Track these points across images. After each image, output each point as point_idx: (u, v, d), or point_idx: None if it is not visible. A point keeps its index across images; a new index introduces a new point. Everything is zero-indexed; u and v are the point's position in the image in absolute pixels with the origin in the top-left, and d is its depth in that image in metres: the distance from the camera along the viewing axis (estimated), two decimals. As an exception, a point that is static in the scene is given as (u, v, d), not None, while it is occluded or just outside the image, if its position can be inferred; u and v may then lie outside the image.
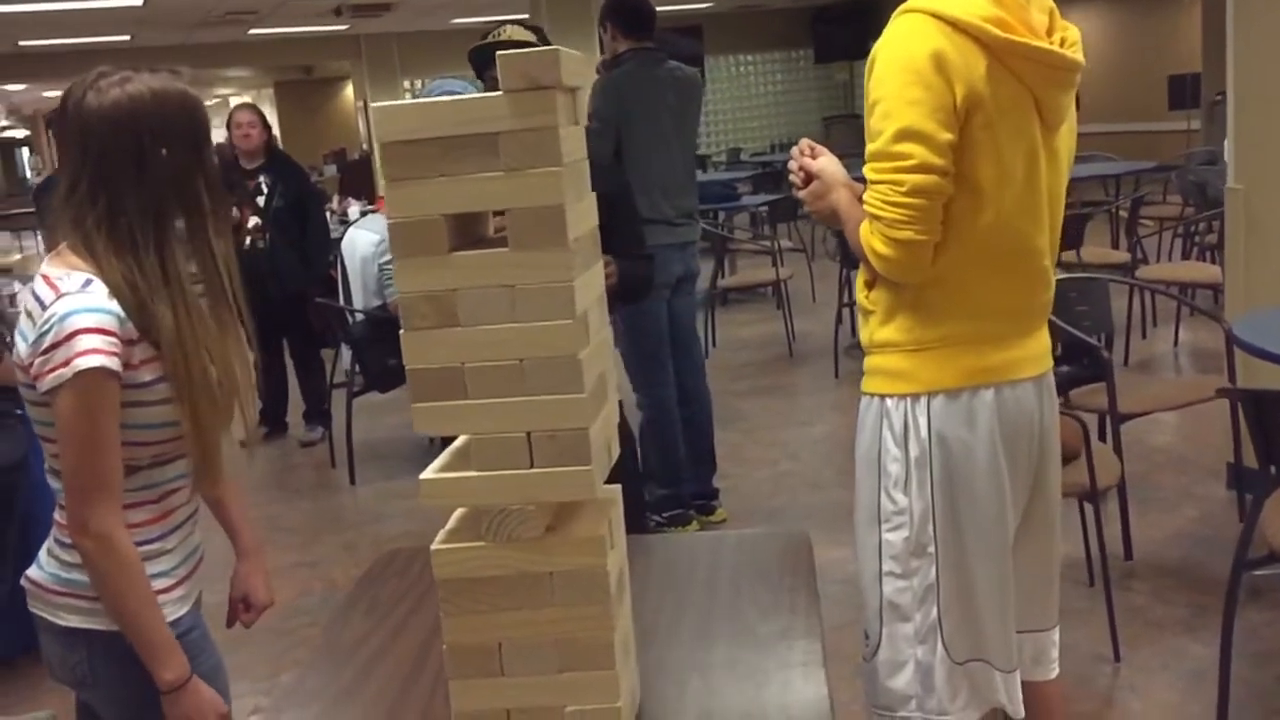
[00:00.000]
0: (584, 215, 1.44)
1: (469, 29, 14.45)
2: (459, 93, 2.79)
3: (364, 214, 7.52)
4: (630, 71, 4.14)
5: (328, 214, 6.14)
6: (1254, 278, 4.16)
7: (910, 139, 1.83)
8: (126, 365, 1.62)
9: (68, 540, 1.71)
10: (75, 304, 1.60)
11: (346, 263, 5.65)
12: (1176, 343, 6.51)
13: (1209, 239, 6.98)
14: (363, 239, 5.59)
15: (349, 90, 18.84)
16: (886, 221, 1.87)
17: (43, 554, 1.78)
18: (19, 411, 3.06)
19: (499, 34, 2.77)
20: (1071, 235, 6.33)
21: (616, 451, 1.56)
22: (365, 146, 16.40)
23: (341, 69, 17.84)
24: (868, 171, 1.91)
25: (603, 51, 4.32)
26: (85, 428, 1.60)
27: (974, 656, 1.99)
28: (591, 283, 1.46)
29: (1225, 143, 4.29)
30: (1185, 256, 7.32)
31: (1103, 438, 3.98)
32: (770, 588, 1.95)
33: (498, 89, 1.32)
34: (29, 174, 29.56)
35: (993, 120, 1.86)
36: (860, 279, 2.05)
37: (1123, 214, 7.66)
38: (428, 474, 1.44)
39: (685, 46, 15.95)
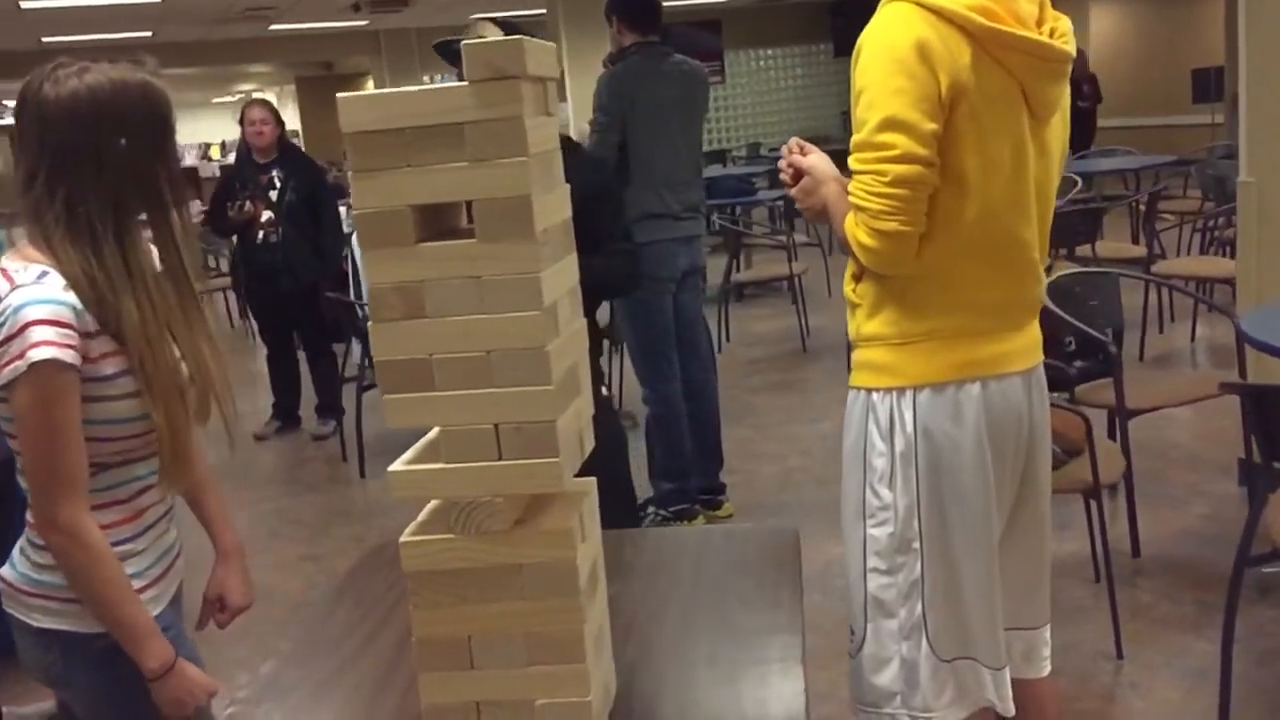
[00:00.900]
0: (554, 206, 1.43)
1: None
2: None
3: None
4: (635, 65, 4.13)
5: (346, 209, 6.15)
6: (1266, 272, 4.11)
7: (894, 129, 1.81)
8: (85, 358, 1.60)
9: (39, 541, 1.69)
10: (28, 296, 1.58)
11: (358, 257, 5.67)
12: (1193, 338, 6.45)
13: (1228, 233, 6.90)
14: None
15: (370, 86, 18.90)
16: (871, 212, 1.85)
17: (15, 553, 1.77)
18: None
19: (469, 31, 2.76)
20: (1087, 229, 6.29)
21: (591, 444, 1.55)
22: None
23: (362, 65, 17.90)
24: (852, 162, 1.89)
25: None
26: (44, 421, 1.58)
27: (961, 654, 1.97)
28: (562, 275, 1.45)
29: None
30: (1203, 251, 7.25)
31: (1112, 433, 3.95)
32: (755, 583, 1.94)
33: None
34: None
35: (978, 110, 1.84)
36: (848, 272, 2.03)
37: (1142, 208, 7.59)
38: (396, 466, 1.44)
39: (704, 41, 15.95)
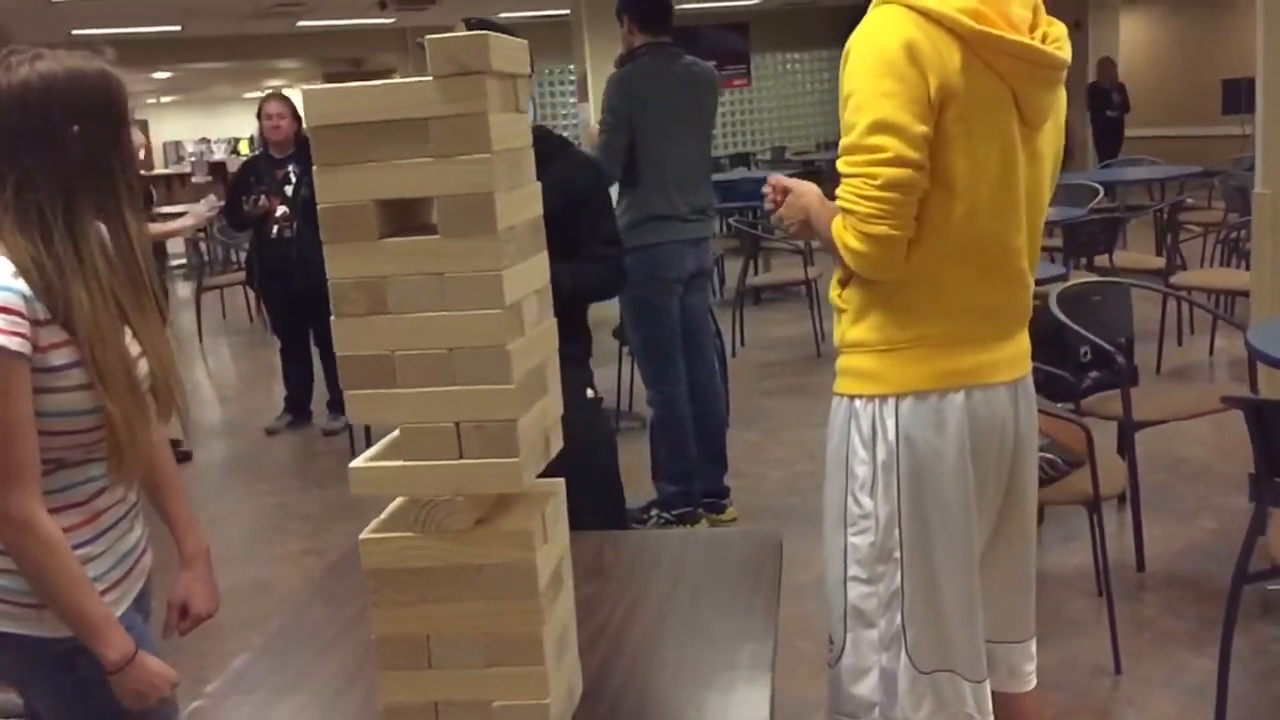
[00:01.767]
0: (520, 204, 1.42)
1: (515, 23, 14.49)
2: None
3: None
4: (645, 66, 4.12)
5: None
6: (1281, 285, 4.06)
7: (884, 131, 1.79)
8: (35, 347, 1.57)
9: None
10: None
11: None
12: (1212, 351, 6.38)
13: (1248, 245, 6.83)
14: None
15: (397, 83, 18.92)
16: (860, 216, 1.83)
17: None
18: None
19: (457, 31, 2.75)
20: (1104, 239, 6.23)
21: (559, 445, 1.54)
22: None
23: (389, 62, 17.95)
24: (841, 165, 1.87)
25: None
26: None
27: (940, 667, 1.94)
28: (528, 274, 1.44)
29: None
30: (1225, 263, 7.17)
31: (1121, 446, 3.90)
32: (732, 588, 1.92)
33: None
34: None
35: (967, 114, 1.81)
36: (834, 277, 2.01)
37: (1165, 218, 7.52)
38: (357, 463, 1.43)
39: (732, 43, 15.92)
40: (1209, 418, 4.03)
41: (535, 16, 13.16)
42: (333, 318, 1.38)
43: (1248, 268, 6.60)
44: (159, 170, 20.80)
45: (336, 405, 6.24)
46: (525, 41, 1.47)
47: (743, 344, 7.41)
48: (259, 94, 7.61)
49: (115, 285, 1.65)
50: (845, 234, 1.86)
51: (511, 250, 1.37)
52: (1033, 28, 1.89)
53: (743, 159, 14.51)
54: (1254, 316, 4.19)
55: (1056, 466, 3.28)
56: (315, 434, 6.26)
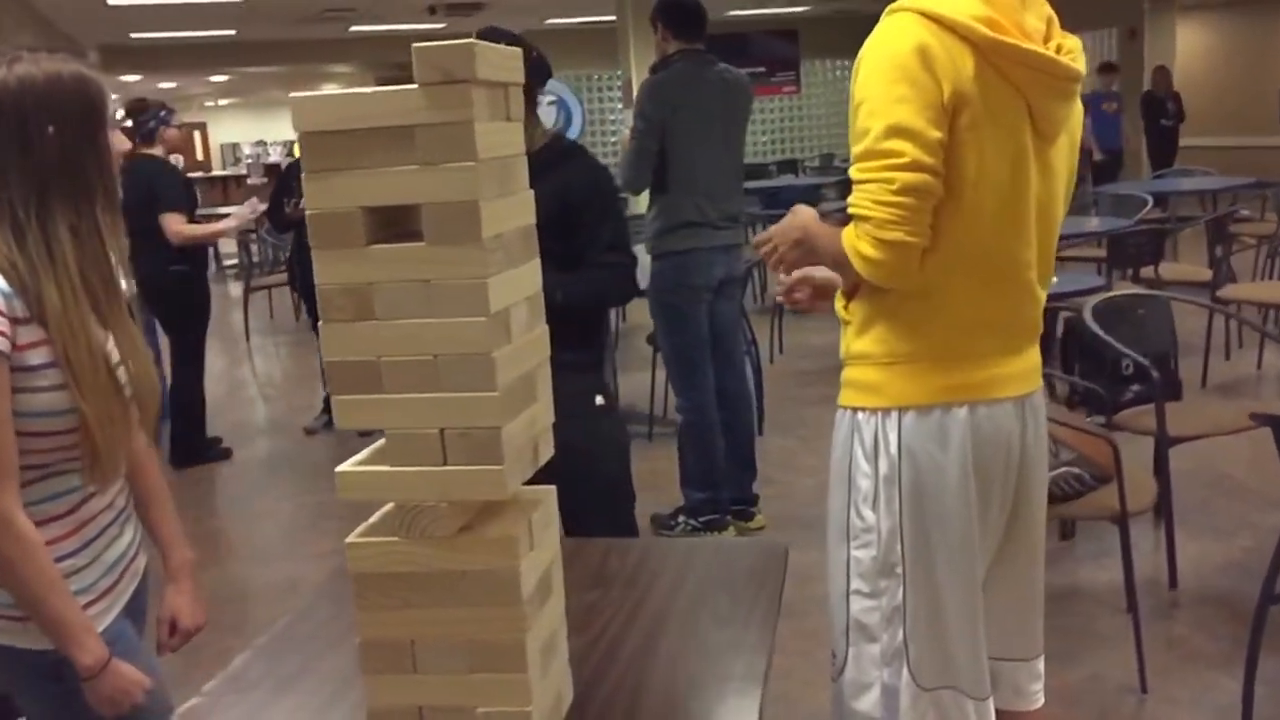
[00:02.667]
0: (509, 212, 1.42)
1: (563, 29, 14.56)
2: (552, 94, 2.70)
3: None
4: (678, 73, 4.12)
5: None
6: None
7: (900, 136, 1.77)
8: (14, 346, 1.58)
9: None
10: None
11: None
12: (1260, 365, 6.26)
13: (1301, 259, 6.70)
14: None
15: (449, 87, 19.06)
16: (875, 222, 1.80)
17: None
18: None
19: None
20: (1150, 250, 6.13)
21: (548, 453, 1.54)
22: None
23: (441, 66, 18.08)
24: (854, 173, 1.85)
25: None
26: None
27: (943, 684, 1.92)
28: (517, 281, 1.44)
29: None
30: (1275, 276, 7.04)
31: (1157, 461, 3.83)
32: (733, 598, 1.92)
33: None
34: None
35: (979, 121, 1.79)
36: (839, 289, 1.99)
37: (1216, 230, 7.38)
38: (344, 467, 1.44)
39: (781, 50, 15.88)
40: (1250, 434, 3.95)
41: (583, 23, 13.21)
42: (320, 323, 1.39)
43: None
44: (216, 172, 21.14)
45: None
46: (519, 50, 1.47)
47: (781, 351, 7.38)
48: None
49: (88, 284, 1.65)
50: (859, 241, 1.83)
51: (498, 258, 1.37)
52: (1046, 39, 1.86)
53: (790, 165, 14.46)
54: (1298, 331, 4.10)
55: (1084, 481, 3.23)
56: (351, 435, 6.28)
